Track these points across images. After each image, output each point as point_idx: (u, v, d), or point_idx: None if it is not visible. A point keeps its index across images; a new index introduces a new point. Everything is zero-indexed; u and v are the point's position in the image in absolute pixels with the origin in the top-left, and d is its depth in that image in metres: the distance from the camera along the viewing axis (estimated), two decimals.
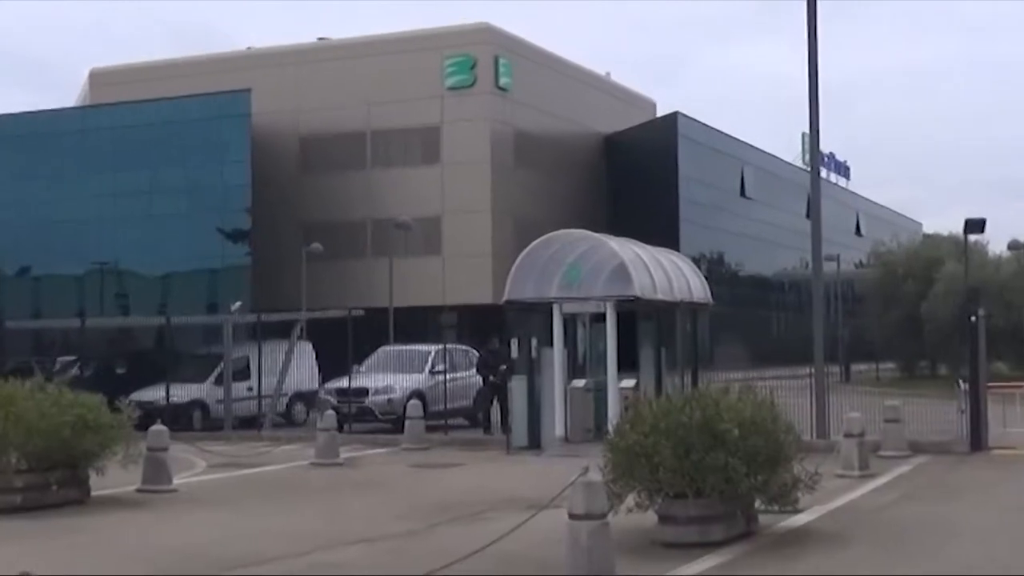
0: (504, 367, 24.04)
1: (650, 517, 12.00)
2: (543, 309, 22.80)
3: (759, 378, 22.96)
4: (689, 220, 59.04)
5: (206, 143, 51.40)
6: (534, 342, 23.03)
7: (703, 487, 11.60)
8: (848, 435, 17.97)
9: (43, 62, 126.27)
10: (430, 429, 25.30)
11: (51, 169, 53.29)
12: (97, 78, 61.80)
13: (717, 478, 11.54)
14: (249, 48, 60.73)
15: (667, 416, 11.87)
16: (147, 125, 52.41)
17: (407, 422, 23.88)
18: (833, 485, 15.37)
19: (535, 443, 22.62)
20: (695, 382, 23.41)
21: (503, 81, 53.67)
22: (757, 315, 67.85)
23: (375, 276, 47.00)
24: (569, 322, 23.52)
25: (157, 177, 51.75)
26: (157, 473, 17.03)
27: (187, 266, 51.34)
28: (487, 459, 21.79)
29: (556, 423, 22.37)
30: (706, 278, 25.88)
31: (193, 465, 20.71)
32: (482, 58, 53.14)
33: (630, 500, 11.82)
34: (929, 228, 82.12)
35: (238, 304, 33.44)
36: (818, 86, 24.00)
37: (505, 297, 22.65)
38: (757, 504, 12.41)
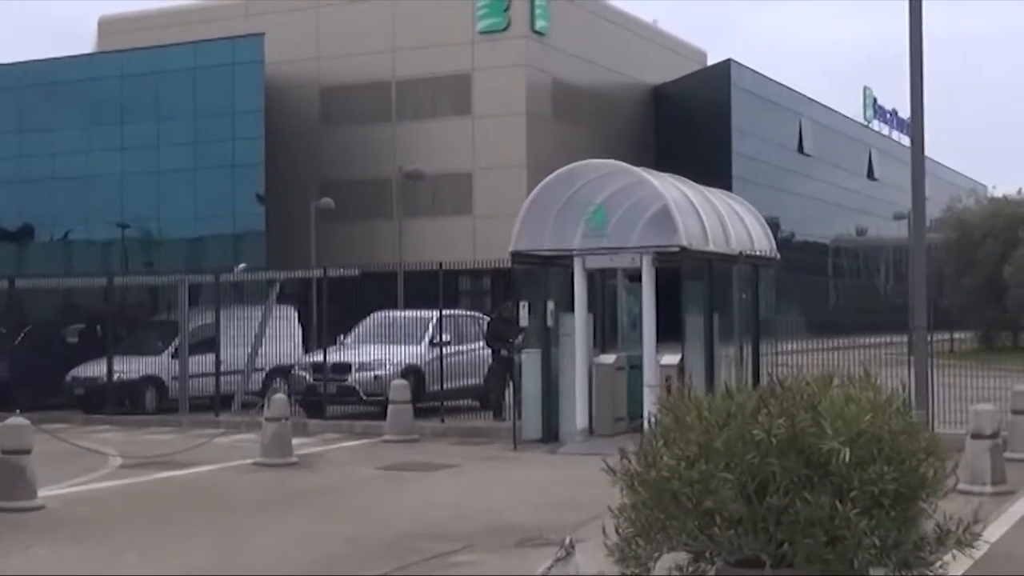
0: (519, 337, 18.98)
1: None
2: (563, 263, 17.89)
3: (823, 349, 18.25)
4: (743, 177, 54.20)
5: (216, 93, 48.21)
6: (550, 306, 18.07)
7: (792, 551, 6.68)
8: (977, 436, 12.87)
9: (61, 16, 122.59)
10: (428, 414, 20.52)
11: (53, 122, 50.66)
12: (106, 26, 58.78)
13: (817, 536, 6.60)
14: None
15: (728, 426, 6.93)
16: (153, 74, 49.65)
17: (390, 407, 18.91)
18: (962, 509, 10.25)
19: (551, 436, 17.74)
20: (756, 358, 18.44)
21: (539, 24, 49.41)
22: (815, 281, 63.08)
23: (403, 236, 42.64)
24: (597, 280, 18.65)
25: (165, 130, 48.52)
26: (13, 485, 12.25)
27: (197, 224, 48.54)
28: (488, 457, 16.91)
29: (577, 410, 17.50)
30: None
31: (102, 464, 15.95)
32: None
33: (662, 569, 6.93)
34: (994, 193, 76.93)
35: (242, 266, 29.06)
36: (922, 43, 18.51)
37: (512, 247, 17.68)
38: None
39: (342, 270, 23.58)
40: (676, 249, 16.74)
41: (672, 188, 17.57)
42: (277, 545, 10.59)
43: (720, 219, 18.03)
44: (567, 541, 5.76)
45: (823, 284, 66.99)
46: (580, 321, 17.63)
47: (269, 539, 10.91)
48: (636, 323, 18.12)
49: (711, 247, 17.37)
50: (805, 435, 6.80)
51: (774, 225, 58.07)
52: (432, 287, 21.44)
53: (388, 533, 11.03)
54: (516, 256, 17.71)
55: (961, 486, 11.91)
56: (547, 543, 10.21)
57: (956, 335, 49.82)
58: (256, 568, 9.63)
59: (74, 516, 12.13)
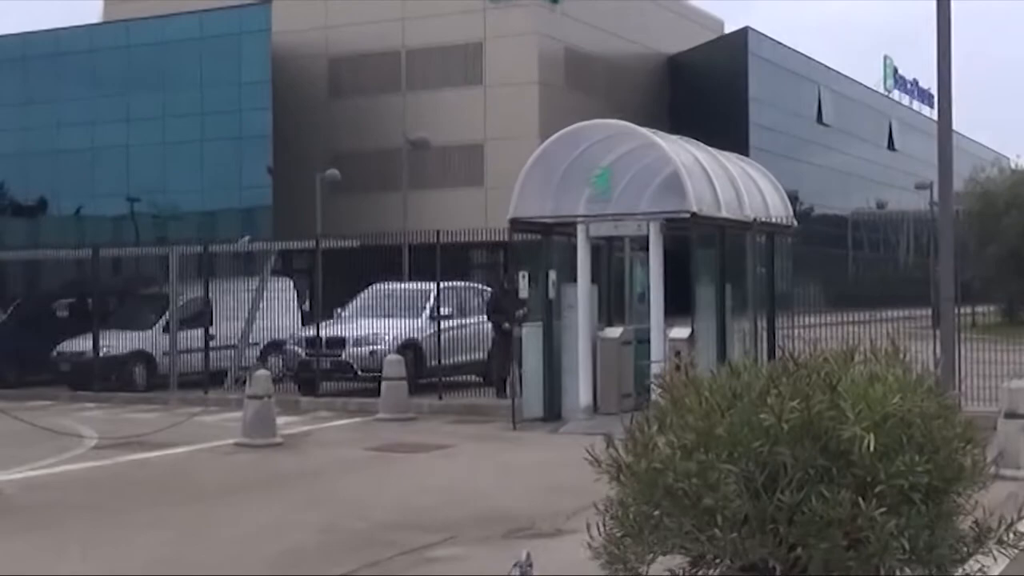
0: (522, 310, 17.99)
1: None
2: (566, 232, 16.89)
3: (842, 322, 17.31)
4: (761, 148, 52.98)
5: (222, 63, 47.01)
6: (552, 277, 17.07)
7: (806, 555, 5.69)
8: (1012, 415, 11.85)
9: None
10: (429, 390, 19.59)
11: (58, 93, 49.42)
12: None
13: (835, 538, 5.61)
14: None
15: (732, 409, 5.94)
16: (158, 44, 48.32)
17: (384, 384, 17.97)
18: (995, 496, 9.12)
19: (553, 414, 16.78)
20: (772, 332, 17.43)
21: None
22: (833, 254, 62.08)
23: (412, 208, 41.64)
24: (604, 250, 17.64)
25: (170, 101, 47.53)
26: None
27: (204, 197, 47.49)
28: (485, 436, 15.98)
29: (581, 387, 16.55)
30: None
31: (76, 444, 15.08)
32: None
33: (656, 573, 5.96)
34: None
35: (246, 238, 28.11)
36: (950, 13, 17.03)
37: (511, 214, 16.66)
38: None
39: (339, 241, 22.58)
40: (686, 215, 15.71)
41: (682, 151, 16.54)
42: (242, 537, 9.66)
43: (733, 184, 17.00)
44: (524, 557, 4.82)
45: (842, 257, 66.00)
46: (583, 293, 16.65)
47: (235, 530, 9.98)
48: (644, 295, 17.12)
49: (723, 213, 16.34)
50: (822, 420, 5.79)
51: (792, 197, 57.18)
52: (445, 260, 20.50)
53: (366, 523, 10.11)
54: (515, 223, 16.68)
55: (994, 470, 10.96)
56: (538, 534, 9.32)
57: (978, 308, 49.00)
58: (213, 565, 8.70)
59: (29, 502, 11.24)
